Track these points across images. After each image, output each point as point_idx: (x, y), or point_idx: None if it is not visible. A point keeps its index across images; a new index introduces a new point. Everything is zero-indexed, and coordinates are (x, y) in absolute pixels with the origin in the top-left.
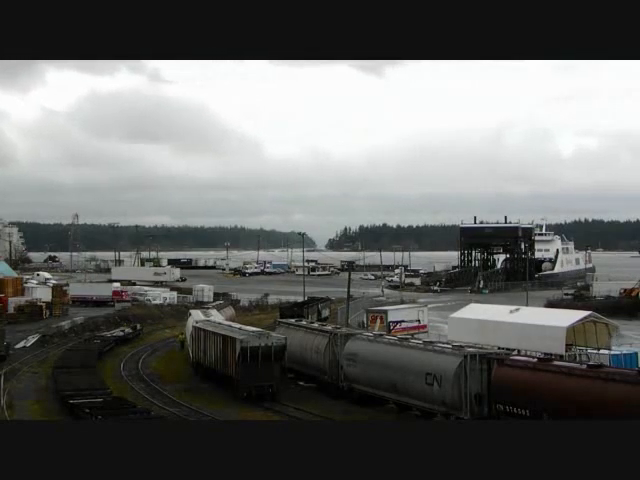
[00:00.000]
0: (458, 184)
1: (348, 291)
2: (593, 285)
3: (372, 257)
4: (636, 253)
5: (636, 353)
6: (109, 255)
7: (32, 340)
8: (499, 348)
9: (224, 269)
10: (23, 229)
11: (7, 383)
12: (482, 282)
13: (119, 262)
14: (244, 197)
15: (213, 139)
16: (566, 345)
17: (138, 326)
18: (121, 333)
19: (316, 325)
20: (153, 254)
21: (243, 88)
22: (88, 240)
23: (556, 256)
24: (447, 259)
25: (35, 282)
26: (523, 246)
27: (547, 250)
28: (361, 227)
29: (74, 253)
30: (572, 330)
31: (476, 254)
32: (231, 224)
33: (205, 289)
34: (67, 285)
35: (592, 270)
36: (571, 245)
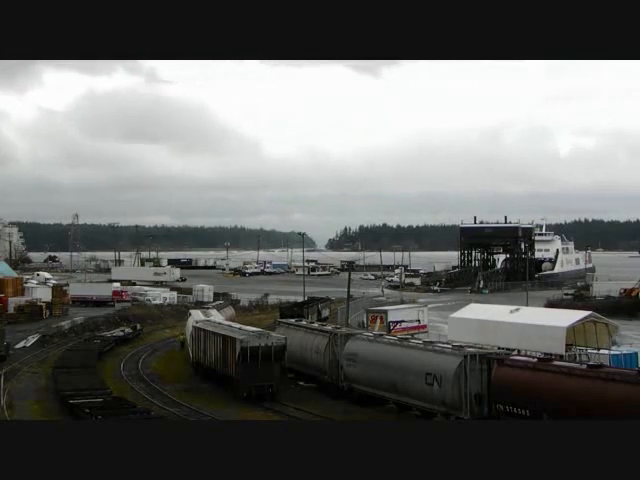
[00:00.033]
0: (457, 183)
1: (348, 291)
2: (593, 285)
3: (372, 257)
4: (634, 253)
5: (636, 353)
6: (109, 255)
7: (32, 340)
8: (499, 348)
9: (224, 269)
10: (23, 229)
11: (7, 383)
12: (482, 282)
13: (119, 262)
14: (242, 197)
15: (211, 139)
16: (566, 345)
17: (138, 326)
18: (121, 333)
19: (316, 325)
20: (153, 254)
21: (242, 88)
22: (88, 240)
23: (556, 256)
24: (447, 259)
25: (35, 282)
26: (523, 246)
27: (547, 250)
28: (361, 227)
29: (74, 253)
30: (572, 330)
31: (476, 254)
32: (230, 224)
33: (205, 289)
34: (67, 285)
35: (592, 270)
36: (571, 245)
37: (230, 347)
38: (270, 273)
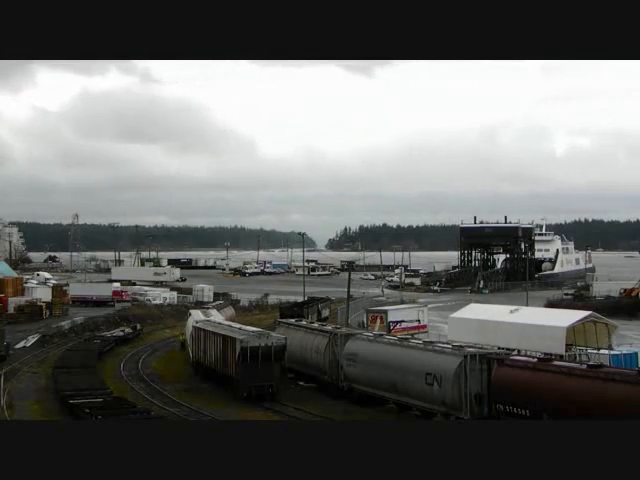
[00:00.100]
0: (456, 183)
1: (348, 291)
2: (593, 285)
3: (372, 257)
4: (630, 253)
5: (636, 353)
6: (109, 255)
7: (32, 340)
8: (499, 348)
9: (224, 269)
10: (23, 229)
11: (7, 383)
12: (482, 282)
13: (119, 262)
14: (241, 197)
15: (208, 139)
16: (566, 345)
17: (138, 326)
18: (121, 333)
19: (316, 325)
20: (153, 254)
21: (237, 88)
22: (88, 240)
23: (556, 256)
24: (447, 259)
25: (35, 282)
26: (523, 246)
27: (547, 250)
28: (361, 227)
29: (74, 253)
30: (572, 330)
31: (476, 254)
32: (229, 224)
33: (205, 289)
34: (67, 285)
35: (592, 270)
36: (571, 245)
37: (230, 347)
38: (270, 273)
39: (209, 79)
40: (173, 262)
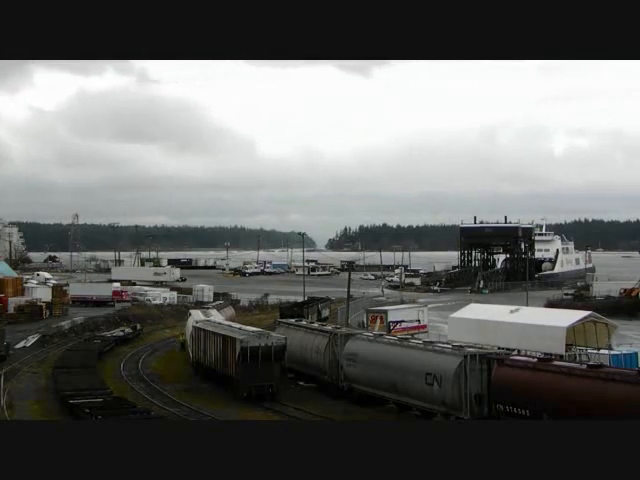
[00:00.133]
0: (456, 183)
1: (348, 291)
2: (593, 285)
3: (372, 257)
4: (627, 253)
5: (636, 353)
6: (109, 255)
7: (32, 340)
8: (499, 348)
9: (224, 269)
10: (23, 229)
11: (7, 383)
12: (482, 282)
13: (119, 262)
14: (240, 197)
15: (206, 139)
16: (566, 345)
17: (138, 326)
18: (121, 333)
19: (316, 325)
20: (153, 254)
21: (235, 88)
22: (88, 240)
23: (556, 256)
24: (447, 259)
25: (35, 282)
26: (523, 246)
27: (547, 250)
28: (361, 227)
29: (74, 253)
30: (572, 330)
31: (476, 254)
32: (229, 224)
33: (205, 289)
34: (67, 285)
35: (592, 270)
36: (571, 245)
37: (230, 347)
38: (270, 273)
39: (206, 79)
40: (173, 262)
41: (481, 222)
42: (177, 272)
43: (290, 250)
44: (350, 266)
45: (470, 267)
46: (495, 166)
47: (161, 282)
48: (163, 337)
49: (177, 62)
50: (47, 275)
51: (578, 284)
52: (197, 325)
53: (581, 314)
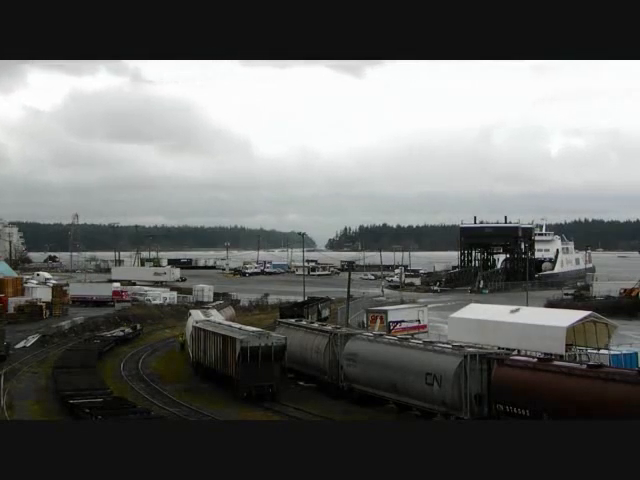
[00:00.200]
0: (456, 183)
1: (348, 291)
2: (593, 285)
3: (372, 257)
4: (623, 253)
5: (636, 353)
6: (109, 255)
7: (32, 340)
8: (499, 348)
9: (224, 269)
10: (23, 229)
11: (7, 383)
12: (482, 282)
13: (119, 262)
14: (237, 197)
15: (201, 138)
16: (566, 345)
17: (138, 326)
18: (121, 333)
19: (316, 325)
20: (153, 254)
21: (234, 89)
22: (88, 240)
23: (556, 256)
24: (447, 259)
25: (35, 282)
26: (523, 246)
27: (547, 250)
28: (361, 227)
29: (74, 253)
30: (572, 330)
31: (476, 254)
32: (228, 224)
33: (205, 289)
34: (67, 285)
35: (592, 270)
36: (571, 245)
37: (230, 347)
38: (270, 273)
39: (202, 80)
40: (173, 262)
41: (481, 222)
42: (177, 272)
43: (290, 250)
44: (350, 266)
45: (470, 267)
46: (495, 166)
47: (161, 282)
48: (163, 337)
49: (173, 62)
50: (47, 275)
51: (578, 284)
52: (197, 325)
53: (581, 314)
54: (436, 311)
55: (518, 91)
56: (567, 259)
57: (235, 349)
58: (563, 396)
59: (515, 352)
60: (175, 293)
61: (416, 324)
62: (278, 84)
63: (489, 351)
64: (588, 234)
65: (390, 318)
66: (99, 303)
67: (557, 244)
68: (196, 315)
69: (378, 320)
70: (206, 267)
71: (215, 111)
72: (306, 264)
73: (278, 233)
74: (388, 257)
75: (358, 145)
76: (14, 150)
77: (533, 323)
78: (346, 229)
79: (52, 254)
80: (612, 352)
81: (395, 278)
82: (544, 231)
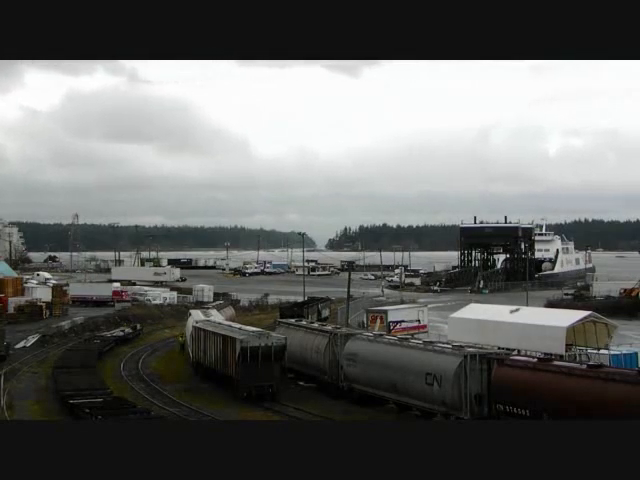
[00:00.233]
0: (456, 183)
1: (348, 291)
2: (593, 285)
3: (372, 257)
4: (621, 253)
5: (636, 353)
6: (109, 255)
7: (32, 340)
8: (499, 348)
9: (224, 269)
10: (23, 229)
11: (7, 383)
12: (482, 282)
13: (119, 262)
14: (236, 197)
15: (200, 139)
16: (566, 345)
17: (138, 326)
18: (121, 333)
19: (316, 325)
20: (153, 254)
21: (233, 89)
22: (88, 240)
23: (556, 256)
24: (447, 259)
25: (35, 282)
26: (523, 246)
27: (547, 250)
28: (361, 227)
29: (74, 253)
30: (572, 330)
31: (476, 254)
32: (227, 224)
33: (205, 289)
34: (67, 285)
35: (592, 270)
36: (571, 245)
37: (230, 347)
38: (270, 273)
39: (200, 80)
40: (173, 262)
41: (481, 222)
42: (177, 272)
43: (290, 250)
44: (350, 266)
45: (470, 267)
46: (495, 166)
47: (161, 282)
48: (163, 337)
49: (171, 62)
50: (47, 275)
51: (578, 284)
52: (197, 325)
53: (581, 314)
54: (436, 311)
55: (518, 91)
56: (567, 259)
57: (235, 349)
58: (563, 396)
59: (515, 352)
60: (175, 293)
61: (416, 324)
62: (277, 84)
63: (489, 351)
64: (588, 234)
65: (390, 318)
66: (99, 303)
67: (557, 244)
68: (196, 315)
69: (378, 320)
70: (206, 267)
71: (214, 111)
72: (306, 264)
73: (278, 233)
74: (388, 257)
75: (358, 145)
76: (12, 150)
77: (533, 323)
78: (346, 229)
79: (52, 254)
80: (612, 352)
81: (395, 278)
82: (544, 231)
